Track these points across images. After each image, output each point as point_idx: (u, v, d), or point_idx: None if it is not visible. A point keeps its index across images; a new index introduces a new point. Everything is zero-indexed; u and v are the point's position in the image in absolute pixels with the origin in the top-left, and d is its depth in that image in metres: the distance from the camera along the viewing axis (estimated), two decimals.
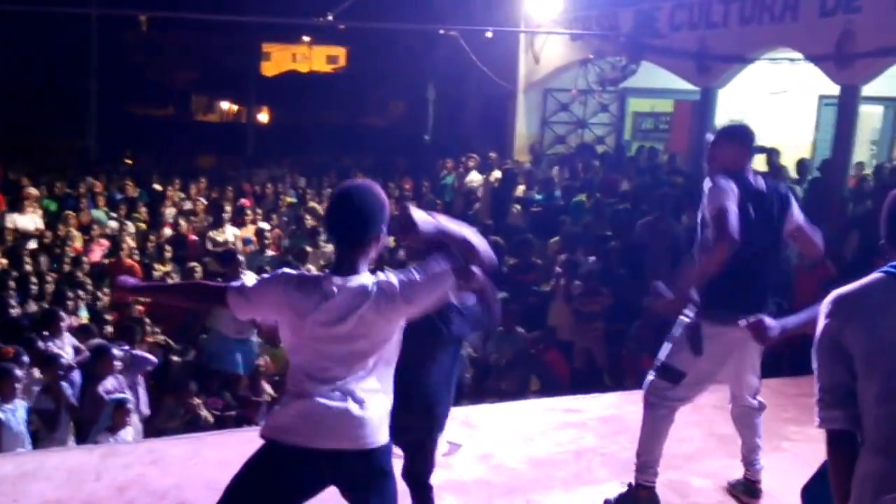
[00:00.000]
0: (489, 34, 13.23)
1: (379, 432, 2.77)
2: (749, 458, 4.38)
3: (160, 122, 29.33)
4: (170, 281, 8.71)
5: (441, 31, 13.25)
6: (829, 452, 2.28)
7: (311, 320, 2.69)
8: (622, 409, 5.91)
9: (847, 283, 5.03)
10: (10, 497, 4.35)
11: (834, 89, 10.66)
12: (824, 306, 2.31)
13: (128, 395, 6.25)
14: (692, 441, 5.32)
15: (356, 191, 2.77)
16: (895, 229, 2.31)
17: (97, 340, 7.10)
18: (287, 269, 2.85)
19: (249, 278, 7.10)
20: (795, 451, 5.12)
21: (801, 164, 10.28)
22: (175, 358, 7.65)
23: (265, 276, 2.92)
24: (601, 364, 7.81)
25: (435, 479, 4.59)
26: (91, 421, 6.21)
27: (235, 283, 2.86)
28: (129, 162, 17.10)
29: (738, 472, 4.82)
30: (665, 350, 4.09)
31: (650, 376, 4.15)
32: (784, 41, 10.39)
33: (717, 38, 11.22)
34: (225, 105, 39.29)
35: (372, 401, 2.75)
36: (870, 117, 12.34)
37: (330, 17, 12.59)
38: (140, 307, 8.21)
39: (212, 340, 7.74)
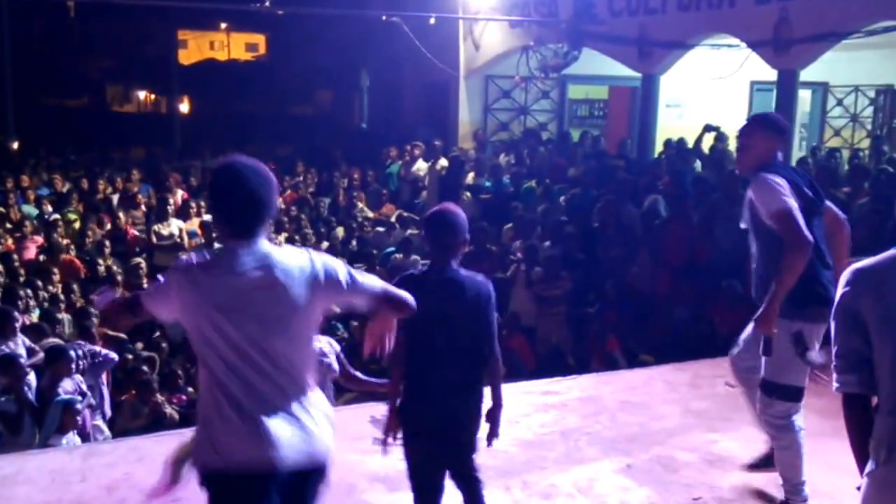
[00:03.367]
0: (432, 21, 13.16)
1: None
2: None
3: (74, 113, 28.23)
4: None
5: (383, 18, 13.10)
6: (845, 414, 2.43)
7: (220, 301, 2.48)
8: (598, 390, 6.05)
9: None
10: None
11: (765, 75, 11.02)
12: (843, 277, 2.45)
13: (88, 395, 6.05)
14: (671, 417, 5.48)
15: (251, 170, 2.59)
16: None
17: (52, 340, 6.84)
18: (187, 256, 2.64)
19: None
20: None
21: None
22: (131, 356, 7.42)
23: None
24: (564, 348, 7.92)
25: None
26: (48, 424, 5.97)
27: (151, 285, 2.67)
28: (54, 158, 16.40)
29: (718, 446, 5.00)
30: (770, 370, 3.87)
31: (764, 403, 3.92)
32: (722, 27, 10.67)
33: (656, 25, 11.42)
34: (142, 95, 38.14)
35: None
36: (799, 102, 12.79)
37: (266, 4, 12.33)
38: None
39: None
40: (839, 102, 14.19)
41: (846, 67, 12.92)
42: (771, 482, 4.51)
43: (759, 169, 3.80)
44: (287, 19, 21.02)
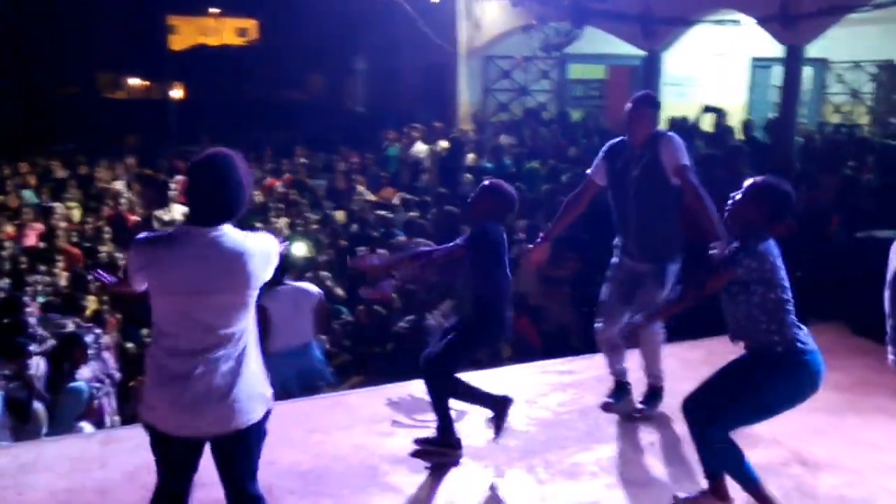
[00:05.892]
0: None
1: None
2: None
3: (66, 101, 27.97)
4: None
5: None
6: None
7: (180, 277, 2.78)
8: None
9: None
10: (14, 490, 4.14)
11: (764, 51, 10.92)
12: (894, 248, 2.38)
13: (107, 382, 5.99)
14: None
15: (229, 162, 2.85)
16: None
17: (68, 328, 6.76)
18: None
19: None
20: None
21: (747, 125, 10.57)
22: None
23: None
24: (570, 328, 7.86)
25: None
26: (64, 411, 5.92)
27: None
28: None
29: None
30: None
31: None
32: (727, 2, 10.54)
33: (660, 1, 11.28)
34: (134, 81, 37.92)
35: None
36: None
37: None
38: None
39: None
40: (839, 79, 14.14)
41: (846, 43, 12.84)
42: (794, 458, 4.51)
43: (658, 133, 4.61)
44: (278, 2, 20.88)
